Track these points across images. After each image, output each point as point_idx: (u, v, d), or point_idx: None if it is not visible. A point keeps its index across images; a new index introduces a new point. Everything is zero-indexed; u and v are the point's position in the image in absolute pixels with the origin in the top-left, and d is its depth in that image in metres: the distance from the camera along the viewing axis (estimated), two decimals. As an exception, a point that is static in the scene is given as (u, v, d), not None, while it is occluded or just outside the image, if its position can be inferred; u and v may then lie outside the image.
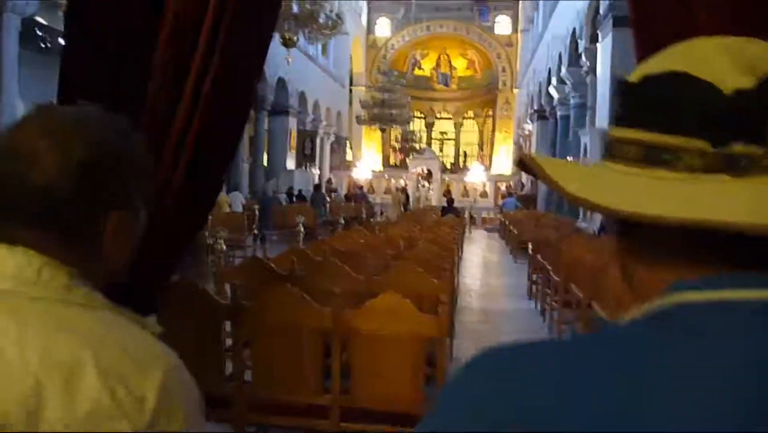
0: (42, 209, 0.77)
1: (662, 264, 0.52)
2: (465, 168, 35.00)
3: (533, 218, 15.28)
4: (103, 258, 0.81)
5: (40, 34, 13.73)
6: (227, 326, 3.09)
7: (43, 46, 13.82)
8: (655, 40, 1.82)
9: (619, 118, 0.56)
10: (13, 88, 9.53)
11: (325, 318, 2.85)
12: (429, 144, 36.31)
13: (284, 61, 14.21)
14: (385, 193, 27.79)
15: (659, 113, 0.52)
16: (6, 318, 0.73)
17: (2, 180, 0.77)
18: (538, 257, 7.83)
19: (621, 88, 0.57)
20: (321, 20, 13.05)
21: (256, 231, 11.95)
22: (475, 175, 30.32)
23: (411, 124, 31.70)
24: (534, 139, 24.95)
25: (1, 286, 0.75)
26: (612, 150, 0.56)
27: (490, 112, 36.68)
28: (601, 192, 0.52)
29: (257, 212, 12.32)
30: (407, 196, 25.30)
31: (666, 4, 1.78)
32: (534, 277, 8.57)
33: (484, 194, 29.69)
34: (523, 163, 0.57)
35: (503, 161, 34.64)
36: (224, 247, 7.05)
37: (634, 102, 0.55)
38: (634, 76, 0.56)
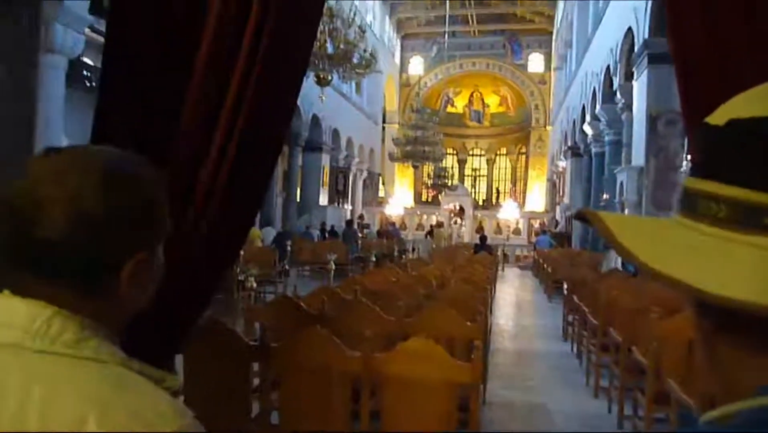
0: (51, 261, 0.74)
1: (758, 354, 0.45)
2: (497, 205, 34.77)
3: (568, 257, 15.01)
4: (121, 302, 0.78)
5: (86, 74, 14.25)
6: (255, 366, 3.05)
7: (88, 85, 14.32)
8: (696, 71, 1.76)
9: (700, 166, 0.48)
10: (58, 125, 9.85)
11: (355, 362, 2.79)
12: (461, 181, 36.26)
13: (318, 99, 14.43)
14: (417, 229, 27.68)
15: (762, 167, 0.43)
16: (11, 372, 0.69)
17: (10, 231, 0.74)
18: (574, 297, 7.63)
19: (703, 133, 0.49)
20: (355, 60, 13.26)
21: (286, 266, 11.96)
22: (508, 212, 30.09)
23: (444, 161, 31.72)
24: (568, 176, 24.69)
25: (9, 338, 0.71)
26: (693, 205, 0.47)
27: (523, 149, 36.56)
28: (681, 263, 0.44)
29: (277, 247, 12.37)
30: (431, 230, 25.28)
31: (702, 33, 1.71)
32: (570, 318, 8.36)
33: (517, 231, 29.40)
34: (583, 217, 0.50)
35: (536, 198, 34.36)
36: (255, 284, 7.05)
37: (723, 150, 0.46)
38: (717, 119, 0.48)
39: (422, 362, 2.72)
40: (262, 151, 2.18)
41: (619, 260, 10.94)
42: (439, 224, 28.09)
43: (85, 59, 13.63)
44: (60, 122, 9.98)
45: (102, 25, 10.62)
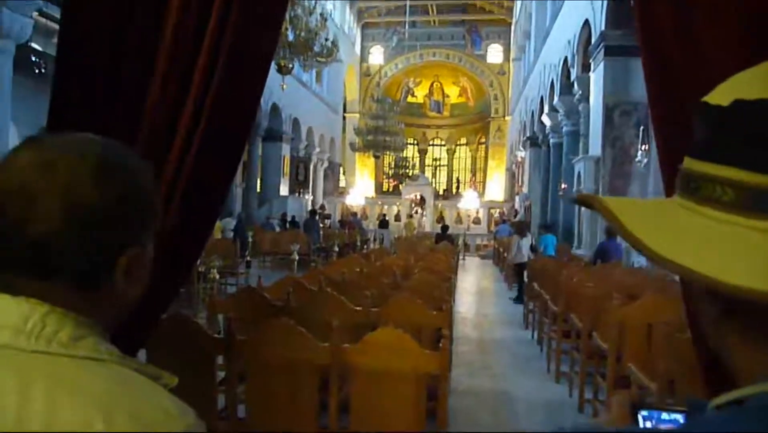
0: (45, 259, 0.69)
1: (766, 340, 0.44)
2: (458, 194, 35.08)
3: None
4: (116, 298, 0.75)
5: (34, 59, 13.73)
6: (219, 359, 2.99)
7: (36, 71, 13.80)
8: (665, 60, 1.76)
9: (702, 148, 0.46)
10: (6, 112, 9.47)
11: (323, 353, 2.76)
12: (422, 171, 36.45)
13: (278, 88, 14.25)
14: (380, 221, 27.70)
15: None
16: (8, 375, 0.64)
17: None
18: (535, 285, 7.75)
19: (706, 112, 0.46)
20: (316, 48, 13.11)
21: (248, 257, 11.81)
22: (469, 202, 30.40)
23: (404, 151, 31.82)
24: (527, 166, 25.06)
25: (1, 339, 0.67)
26: (697, 188, 0.46)
27: (483, 139, 36.93)
28: (691, 252, 0.42)
29: (237, 238, 12.20)
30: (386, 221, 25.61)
31: (671, 20, 1.71)
32: (530, 305, 8.48)
33: (477, 221, 29.74)
34: (584, 202, 0.48)
35: (496, 188, 34.79)
36: (217, 276, 6.93)
37: (728, 132, 0.44)
38: (719, 98, 0.45)
39: (391, 353, 2.71)
40: (226, 148, 2.12)
41: (524, 247, 11.22)
42: (409, 214, 28.28)
43: (34, 45, 13.14)
44: (8, 109, 9.61)
45: (51, 10, 10.24)
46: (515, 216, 25.19)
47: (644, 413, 0.74)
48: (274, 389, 2.81)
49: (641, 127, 11.35)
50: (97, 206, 0.70)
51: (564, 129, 17.83)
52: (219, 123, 2.01)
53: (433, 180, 36.49)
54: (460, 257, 17.70)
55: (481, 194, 34.02)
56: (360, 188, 33.16)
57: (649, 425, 0.73)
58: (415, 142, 38.34)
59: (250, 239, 12.21)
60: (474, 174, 37.97)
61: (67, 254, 0.69)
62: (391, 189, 36.47)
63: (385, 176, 37.15)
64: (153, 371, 0.73)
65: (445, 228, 15.56)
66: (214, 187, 2.15)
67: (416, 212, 29.68)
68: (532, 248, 11.64)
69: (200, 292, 7.54)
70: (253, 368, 2.88)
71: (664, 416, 0.74)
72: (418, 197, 31.24)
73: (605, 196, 0.48)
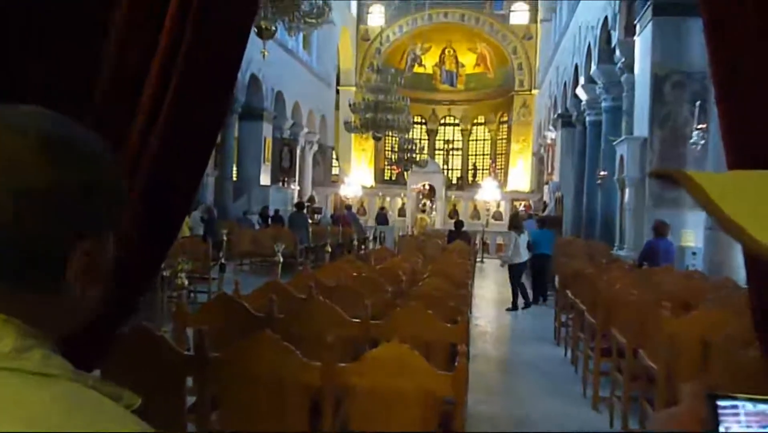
0: None
1: None
2: (475, 184, 35.09)
3: (559, 245, 15.24)
4: (69, 303, 0.74)
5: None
6: (189, 381, 3.00)
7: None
8: (730, 24, 1.76)
9: None
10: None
11: (314, 374, 2.76)
12: (431, 155, 36.44)
13: (259, 56, 14.22)
14: (378, 216, 27.74)
15: None
16: None
17: None
18: (568, 293, 7.75)
19: None
20: (304, 7, 13.07)
21: (222, 259, 11.83)
22: (487, 193, 30.43)
23: (410, 131, 31.79)
24: (558, 149, 25.05)
25: None
26: None
27: (505, 118, 36.90)
28: None
29: (208, 235, 12.20)
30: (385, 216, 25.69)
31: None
32: (562, 317, 8.49)
33: (497, 216, 29.80)
34: (664, 177, 0.47)
35: (521, 176, 34.80)
36: (185, 281, 6.93)
37: None
38: None
39: (397, 373, 2.71)
40: (197, 128, 2.11)
41: (522, 245, 11.32)
42: (422, 209, 28.28)
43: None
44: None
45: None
46: (544, 210, 25.19)
47: (724, 403, 0.73)
48: (254, 416, 2.82)
49: (698, 102, 11.33)
50: (45, 190, 0.69)
51: (603, 105, 17.81)
52: (189, 97, 2.01)
53: (445, 167, 36.49)
54: (478, 259, 17.72)
55: (503, 184, 34.03)
56: (357, 177, 33.20)
57: (732, 418, 0.72)
58: (423, 121, 38.33)
59: (224, 238, 12.20)
60: (494, 160, 37.98)
61: (8, 249, 0.69)
62: (394, 178, 36.46)
63: (386, 162, 37.13)
64: (112, 389, 0.72)
65: (459, 224, 15.53)
66: (183, 175, 2.14)
67: (424, 206, 29.69)
68: (530, 246, 11.73)
69: (165, 301, 7.55)
70: (229, 391, 2.88)
71: (749, 406, 0.73)
72: (427, 188, 31.27)
73: (695, 171, 0.47)
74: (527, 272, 12.24)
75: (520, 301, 11.49)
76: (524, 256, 11.53)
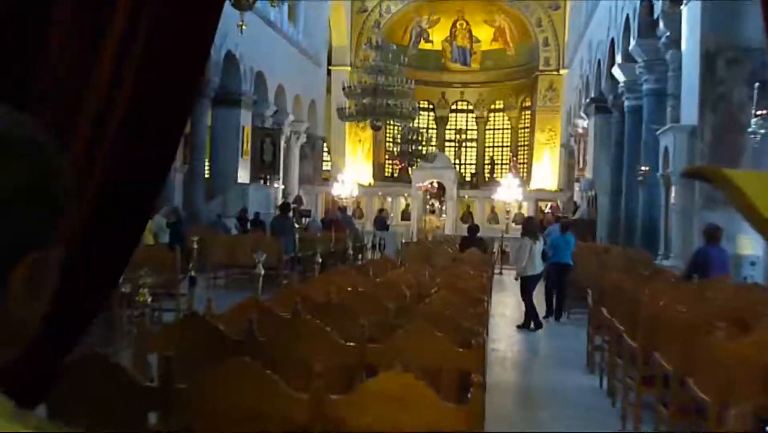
0: None
1: None
2: (492, 181, 35.12)
3: (593, 254, 15.24)
4: (9, 321, 0.75)
5: None
6: (153, 416, 3.00)
7: None
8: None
9: None
10: None
11: (301, 407, 2.77)
12: (441, 148, 36.51)
13: (235, 30, 14.23)
14: (376, 220, 27.75)
15: None
16: None
17: None
18: (603, 310, 7.74)
19: None
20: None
21: (191, 272, 11.83)
22: (507, 192, 30.46)
23: (416, 119, 31.85)
24: (591, 140, 25.06)
25: None
26: None
27: (528, 103, 36.98)
28: None
29: (175, 243, 12.21)
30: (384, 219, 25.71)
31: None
32: (597, 340, 8.48)
33: (519, 219, 29.71)
34: (696, 175, 0.47)
35: (547, 172, 34.83)
36: (149, 298, 6.93)
37: None
38: None
39: (398, 407, 2.71)
40: (162, 116, 2.11)
41: (538, 254, 11.35)
42: (431, 209, 28.30)
43: None
44: None
45: None
46: (574, 212, 25.21)
47: None
48: (230, 458, 2.82)
49: (757, 84, 11.31)
50: None
51: (644, 87, 17.82)
52: (151, 79, 2.00)
53: (457, 161, 36.61)
54: (496, 271, 17.70)
55: (526, 181, 34.08)
56: (352, 173, 33.22)
57: None
58: (431, 106, 38.40)
59: (194, 246, 12.19)
60: (515, 152, 38.03)
61: None
62: (396, 174, 36.52)
63: (387, 156, 37.20)
64: (58, 429, 0.73)
65: (473, 229, 15.52)
66: (145, 172, 2.14)
67: (432, 207, 29.70)
68: (544, 255, 11.76)
69: (124, 321, 7.53)
70: (199, 429, 2.88)
71: None
72: (435, 186, 31.30)
73: (729, 169, 0.46)
74: (541, 285, 12.29)
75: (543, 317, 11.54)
76: (538, 267, 11.54)
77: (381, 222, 26.38)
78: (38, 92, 1.93)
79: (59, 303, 1.92)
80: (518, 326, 11.43)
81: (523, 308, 11.59)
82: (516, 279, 12.10)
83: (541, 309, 11.90)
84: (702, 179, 0.48)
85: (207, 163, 22.55)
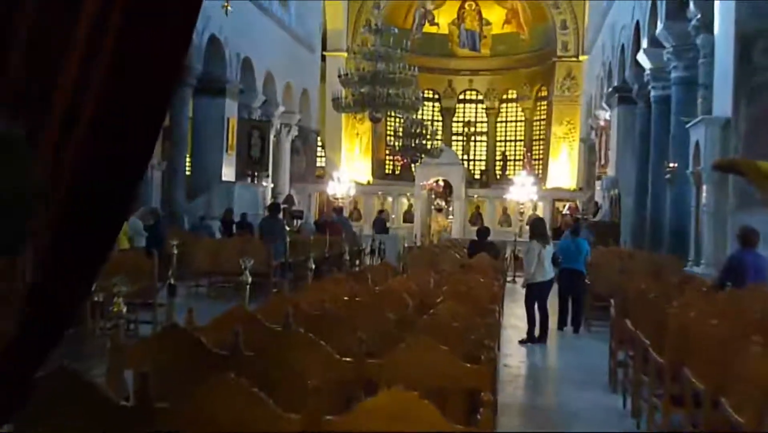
0: None
1: None
2: (504, 179, 35.11)
3: (616, 259, 15.22)
4: None
5: None
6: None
7: None
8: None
9: None
10: None
11: (293, 427, 2.77)
12: (448, 142, 36.50)
13: (220, 12, 14.27)
14: (376, 222, 27.76)
15: None
16: None
17: None
18: (627, 322, 7.74)
19: None
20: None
21: (171, 279, 11.83)
22: (521, 191, 30.45)
23: (419, 110, 31.85)
24: (613, 134, 25.06)
25: None
26: None
27: (544, 93, 36.98)
28: None
29: (153, 248, 12.21)
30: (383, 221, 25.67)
31: None
32: (619, 355, 8.47)
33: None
34: (725, 168, 0.48)
35: (565, 169, 34.82)
36: (123, 308, 6.92)
37: None
38: None
39: (400, 428, 2.71)
40: (139, 107, 2.11)
41: (548, 259, 11.31)
42: (438, 208, 28.26)
43: None
44: None
45: None
46: (595, 213, 25.22)
47: None
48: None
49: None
50: None
51: (673, 75, 17.82)
52: (127, 65, 2.01)
53: (465, 157, 36.60)
54: (508, 279, 17.70)
55: (542, 179, 34.07)
56: (349, 170, 33.20)
57: None
58: (437, 96, 38.43)
59: (174, 251, 12.18)
60: (530, 147, 38.03)
61: None
62: (397, 172, 36.51)
63: (388, 151, 37.18)
64: None
65: (483, 233, 15.52)
66: (120, 170, 2.14)
67: (438, 208, 29.69)
68: (555, 260, 11.73)
69: (98, 334, 7.52)
70: (181, 453, 2.88)
71: None
72: (441, 184, 31.29)
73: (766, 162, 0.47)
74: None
75: (557, 327, 11.50)
76: (549, 273, 11.47)
77: (381, 224, 26.40)
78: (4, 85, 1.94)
79: (27, 313, 1.93)
80: (520, 342, 11.32)
81: (537, 319, 11.52)
82: (523, 287, 12.06)
83: (555, 319, 11.88)
84: (736, 173, 0.49)
85: (188, 159, 22.55)
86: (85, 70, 1.98)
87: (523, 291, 11.94)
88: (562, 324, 12.34)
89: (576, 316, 12.42)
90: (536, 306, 11.42)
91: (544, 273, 11.38)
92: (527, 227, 28.84)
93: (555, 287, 12.11)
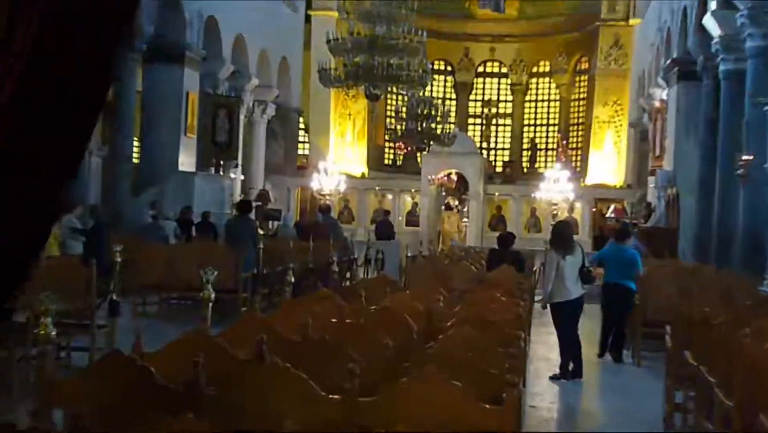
0: None
1: None
2: (533, 173, 35.12)
3: (673, 275, 15.21)
4: None
5: None
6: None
7: None
8: None
9: None
10: None
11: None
12: (463, 127, 36.47)
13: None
14: (378, 226, 27.79)
15: None
16: None
17: None
18: (687, 355, 7.74)
19: None
20: None
21: (113, 295, 11.85)
22: (554, 189, 30.43)
23: (427, 86, 31.78)
24: (671, 117, 25.06)
25: None
26: None
27: (585, 65, 37.00)
28: None
29: (91, 255, 12.21)
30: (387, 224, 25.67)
31: None
32: (677, 396, 8.48)
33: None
34: None
35: (609, 161, 34.79)
36: (53, 331, 6.91)
37: None
38: None
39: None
40: (69, 88, 2.11)
41: (569, 272, 11.23)
42: (448, 205, 28.27)
43: None
44: None
45: None
46: (647, 217, 25.22)
47: None
48: None
49: None
50: None
51: (748, 44, 17.79)
52: (58, 30, 2.00)
53: (485, 145, 36.62)
54: (537, 297, 17.68)
55: (581, 174, 34.08)
56: (339, 160, 33.19)
57: None
58: (450, 69, 38.47)
59: (118, 259, 12.17)
60: (566, 134, 38.02)
61: None
62: (399, 162, 36.54)
63: (388, 137, 37.14)
64: None
65: (506, 240, 15.51)
66: (48, 156, 2.14)
67: (449, 208, 29.69)
68: (584, 275, 11.48)
69: (20, 363, 7.51)
70: None
71: None
72: (454, 179, 31.28)
73: None
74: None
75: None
76: (572, 291, 11.26)
77: (385, 228, 26.14)
78: None
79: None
80: (552, 377, 11.28)
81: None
82: (543, 307, 11.95)
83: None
84: None
85: (136, 144, 22.53)
86: (7, 33, 1.98)
87: (548, 312, 11.86)
88: (602, 351, 12.34)
89: (618, 341, 12.41)
90: (561, 332, 11.39)
91: (565, 291, 11.16)
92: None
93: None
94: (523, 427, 6.47)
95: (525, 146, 38.78)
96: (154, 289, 14.88)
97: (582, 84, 37.37)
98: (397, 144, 36.24)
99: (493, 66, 38.99)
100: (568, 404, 10.40)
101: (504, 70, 38.92)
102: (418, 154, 32.52)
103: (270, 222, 24.73)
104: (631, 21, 34.43)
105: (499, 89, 39.13)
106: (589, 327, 12.09)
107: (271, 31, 29.65)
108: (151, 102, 22.80)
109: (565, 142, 37.50)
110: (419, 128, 30.47)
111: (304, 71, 33.06)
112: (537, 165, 37.07)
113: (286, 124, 32.43)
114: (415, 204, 32.06)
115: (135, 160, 22.26)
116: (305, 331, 5.77)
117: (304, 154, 34.37)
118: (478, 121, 38.68)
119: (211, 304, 9.63)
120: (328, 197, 29.64)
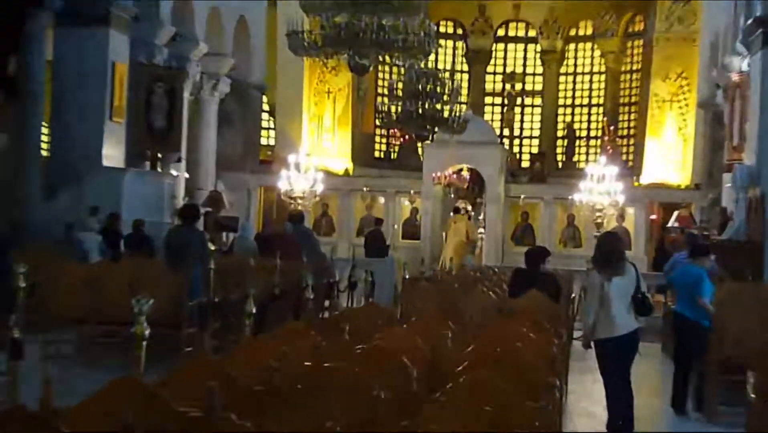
0: None
1: None
2: (570, 168, 35.20)
3: (756, 304, 15.25)
4: None
5: None
6: None
7: None
8: None
9: None
10: None
11: None
12: (478, 109, 36.53)
13: None
14: (368, 237, 27.87)
15: None
16: None
17: None
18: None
19: None
20: None
21: (13, 329, 11.89)
22: (598, 189, 30.47)
23: (432, 55, 31.82)
24: (755, 94, 25.11)
25: None
26: None
27: (639, 27, 37.09)
28: None
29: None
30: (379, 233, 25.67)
31: None
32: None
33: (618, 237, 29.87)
34: None
35: (671, 152, 34.83)
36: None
37: None
38: None
39: None
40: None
41: (617, 298, 11.13)
42: (456, 208, 28.32)
43: None
44: None
45: None
46: (722, 226, 25.27)
47: None
48: None
49: None
50: None
51: None
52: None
53: (507, 132, 36.69)
54: (576, 333, 17.73)
55: (635, 170, 34.14)
56: (315, 152, 33.23)
57: None
58: (461, 33, 38.54)
59: (22, 283, 12.20)
60: (614, 118, 38.07)
61: None
62: (394, 155, 36.59)
63: (379, 122, 37.13)
64: None
65: (536, 256, 15.50)
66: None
67: (459, 211, 29.75)
68: (639, 303, 11.31)
69: None
70: None
71: None
72: (466, 177, 31.32)
73: None
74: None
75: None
76: (623, 325, 11.06)
77: (375, 241, 26.21)
78: None
79: None
80: None
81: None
82: (586, 347, 11.72)
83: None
84: None
85: (45, 131, 22.53)
86: None
87: (590, 353, 11.78)
88: (678, 402, 12.29)
89: (699, 389, 12.38)
90: (610, 378, 11.29)
91: (612, 325, 10.95)
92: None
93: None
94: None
95: (560, 134, 38.86)
96: (70, 323, 14.86)
97: (635, 52, 37.47)
98: (391, 131, 36.37)
99: (517, 28, 39.12)
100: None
101: (532, 33, 39.01)
102: (419, 145, 32.59)
103: (224, 234, 24.75)
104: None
105: (525, 59, 39.22)
106: (646, 370, 12.06)
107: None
108: (64, 76, 22.75)
109: (612, 128, 37.56)
110: (420, 110, 30.51)
111: (269, 35, 33.13)
112: (576, 159, 37.14)
113: (245, 104, 32.48)
114: (415, 210, 32.08)
115: (44, 153, 22.21)
116: (270, 378, 5.76)
117: (268, 145, 34.43)
118: (498, 100, 38.77)
119: (145, 342, 9.64)
120: (300, 201, 29.64)
